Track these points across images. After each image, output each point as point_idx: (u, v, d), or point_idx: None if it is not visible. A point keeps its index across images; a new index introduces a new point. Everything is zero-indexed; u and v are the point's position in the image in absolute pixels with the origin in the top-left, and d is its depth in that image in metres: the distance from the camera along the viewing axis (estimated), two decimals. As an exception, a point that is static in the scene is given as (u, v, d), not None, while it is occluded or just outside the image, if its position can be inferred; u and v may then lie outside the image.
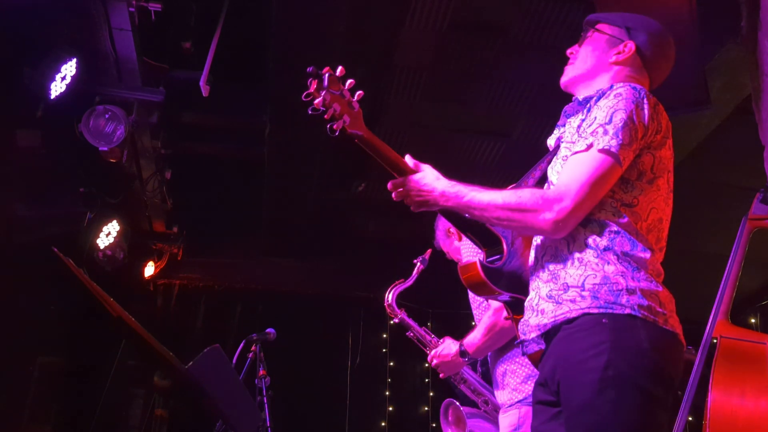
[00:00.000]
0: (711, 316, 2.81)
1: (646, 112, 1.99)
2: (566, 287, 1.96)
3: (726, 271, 2.91)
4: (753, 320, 7.43)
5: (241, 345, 4.27)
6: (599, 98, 2.06)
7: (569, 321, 1.93)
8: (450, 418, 3.45)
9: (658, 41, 2.22)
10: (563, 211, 1.93)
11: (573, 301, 1.93)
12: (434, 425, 7.56)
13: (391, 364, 7.68)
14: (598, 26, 2.26)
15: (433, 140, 6.08)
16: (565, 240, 2.01)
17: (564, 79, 2.28)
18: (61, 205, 5.78)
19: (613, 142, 1.94)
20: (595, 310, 1.89)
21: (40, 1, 4.23)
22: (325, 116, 2.03)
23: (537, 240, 2.14)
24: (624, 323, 1.86)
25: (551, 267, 2.02)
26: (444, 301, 6.95)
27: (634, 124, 1.97)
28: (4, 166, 4.96)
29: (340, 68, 2.03)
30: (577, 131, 2.05)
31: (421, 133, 5.98)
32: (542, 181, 2.20)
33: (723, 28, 4.04)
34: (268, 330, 4.38)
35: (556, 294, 1.97)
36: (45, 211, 5.61)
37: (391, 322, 3.57)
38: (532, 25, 4.82)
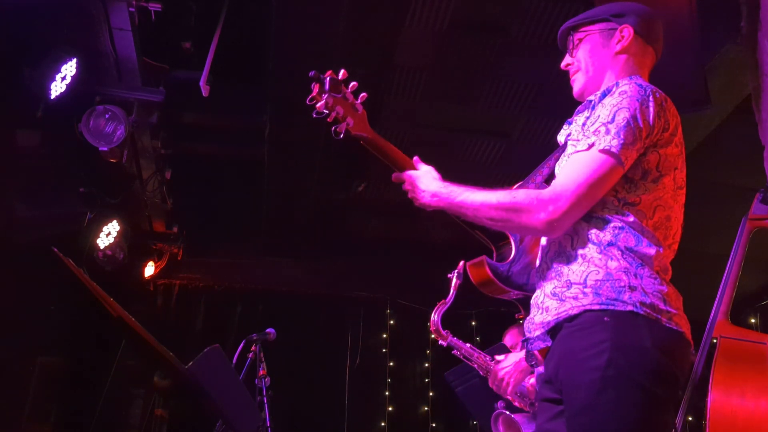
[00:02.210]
0: (711, 316, 2.81)
1: (651, 110, 1.95)
2: (569, 284, 1.94)
3: (726, 271, 2.91)
4: (753, 320, 7.43)
5: (241, 345, 4.28)
6: (604, 95, 2.03)
7: (571, 318, 1.91)
8: (501, 428, 3.46)
9: (647, 14, 2.20)
10: (557, 210, 1.90)
11: (575, 297, 1.92)
12: (434, 425, 7.56)
13: (391, 364, 7.68)
14: (583, 28, 2.22)
15: (433, 140, 6.08)
16: (569, 236, 1.99)
17: (577, 89, 2.24)
18: (61, 205, 5.78)
19: (615, 142, 1.91)
20: (597, 307, 1.87)
21: (40, 1, 4.23)
22: (329, 119, 2.05)
23: (543, 239, 2.12)
24: (626, 321, 1.84)
25: (555, 264, 2.01)
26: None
27: (638, 123, 1.93)
28: (4, 166, 4.96)
29: (342, 71, 2.03)
30: (582, 129, 2.02)
31: (421, 133, 5.98)
32: (551, 177, 2.18)
33: (723, 28, 4.04)
34: (268, 330, 4.38)
35: (559, 291, 1.96)
36: (45, 211, 5.62)
37: (440, 343, 3.54)
38: (532, 25, 4.82)
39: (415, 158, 2.19)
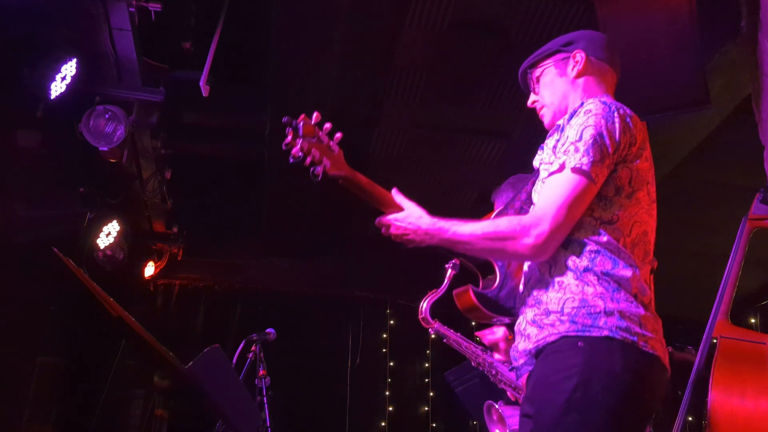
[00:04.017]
0: (711, 316, 2.81)
1: (617, 125, 1.99)
2: (547, 312, 1.98)
3: (726, 271, 2.91)
4: (753, 320, 7.43)
5: (241, 345, 4.28)
6: (571, 117, 2.07)
7: (550, 344, 1.96)
8: (494, 417, 3.50)
9: (595, 36, 2.29)
10: (541, 236, 1.94)
11: (552, 325, 1.96)
12: (434, 425, 7.57)
13: (391, 364, 7.69)
14: (539, 64, 2.33)
15: (433, 140, 6.08)
16: (547, 264, 2.03)
17: (547, 122, 2.29)
18: (61, 205, 5.78)
19: (585, 160, 1.94)
20: (573, 333, 1.91)
21: (39, 1, 4.23)
22: (305, 163, 2.11)
23: (525, 265, 2.16)
24: (600, 346, 1.88)
25: (535, 292, 2.04)
26: None
27: (605, 139, 1.96)
28: (4, 166, 4.97)
29: (315, 114, 2.09)
30: (553, 151, 2.06)
31: (421, 133, 5.98)
32: (528, 202, 2.23)
33: (723, 28, 4.04)
34: (268, 330, 4.38)
35: (538, 319, 2.00)
36: (45, 211, 5.61)
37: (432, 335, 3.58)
38: (532, 25, 4.82)
39: (394, 190, 2.19)
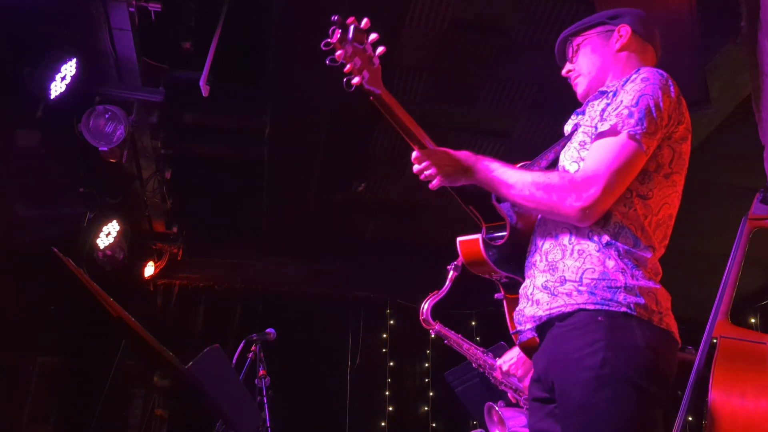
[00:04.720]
0: (711, 316, 2.81)
1: (672, 99, 1.94)
2: (563, 280, 1.92)
3: (726, 271, 2.91)
4: (753, 320, 7.43)
5: (241, 345, 4.28)
6: (626, 82, 2.00)
7: (564, 316, 1.90)
8: (494, 419, 3.48)
9: (642, 15, 2.22)
10: (591, 197, 1.86)
11: (569, 294, 1.90)
12: (434, 425, 7.57)
13: (391, 364, 7.69)
14: (582, 33, 2.23)
15: (433, 140, 6.07)
16: (567, 228, 1.96)
17: (581, 91, 2.22)
18: (61, 205, 5.78)
19: (638, 129, 1.88)
20: (591, 306, 1.86)
21: (40, 1, 4.23)
22: (345, 69, 1.92)
23: (539, 223, 2.08)
24: (619, 321, 1.84)
25: (550, 256, 1.98)
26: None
27: (661, 111, 1.91)
28: (4, 166, 4.96)
29: (365, 20, 1.93)
30: (600, 115, 1.98)
31: (420, 133, 5.97)
32: (554, 164, 2.13)
33: (723, 28, 4.04)
34: (268, 330, 4.38)
35: (551, 285, 1.94)
36: (45, 211, 5.61)
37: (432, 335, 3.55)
38: (532, 25, 4.82)
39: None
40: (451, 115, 5.78)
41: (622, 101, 1.94)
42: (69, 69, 4.49)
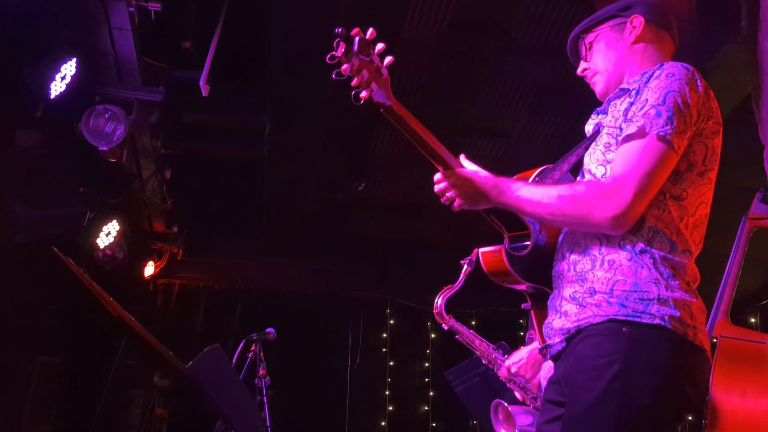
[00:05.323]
0: (711, 316, 2.82)
1: (700, 94, 1.86)
2: (593, 291, 1.84)
3: (726, 271, 2.91)
4: (753, 320, 7.43)
5: (241, 345, 4.28)
6: (649, 78, 1.90)
7: (593, 326, 1.82)
8: (500, 417, 3.47)
9: (654, 2, 2.12)
10: (623, 204, 1.77)
11: (598, 305, 1.82)
12: (434, 425, 7.57)
13: (391, 364, 7.69)
14: (594, 30, 2.14)
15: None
16: (597, 237, 1.87)
17: (599, 89, 2.13)
18: (61, 205, 5.78)
19: (668, 128, 1.79)
20: (622, 318, 1.78)
21: (40, 1, 4.23)
22: (352, 83, 1.84)
23: (566, 231, 2.00)
24: (648, 334, 1.76)
25: (578, 266, 1.89)
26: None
27: (689, 108, 1.82)
28: (4, 166, 4.96)
29: (371, 30, 1.85)
30: (624, 115, 1.90)
31: (421, 132, 5.97)
32: (577, 167, 2.07)
33: (723, 28, 4.04)
34: (268, 330, 4.39)
35: (580, 296, 1.86)
36: (45, 211, 5.61)
37: (444, 327, 3.52)
38: (532, 25, 4.82)
39: (463, 156, 2.06)
40: (451, 115, 5.78)
41: (647, 99, 1.85)
42: (69, 69, 4.49)
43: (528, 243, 2.06)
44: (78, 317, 5.79)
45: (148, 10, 4.43)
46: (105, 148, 4.80)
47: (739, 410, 2.58)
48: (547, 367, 3.03)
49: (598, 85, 2.13)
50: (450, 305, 3.46)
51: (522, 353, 3.18)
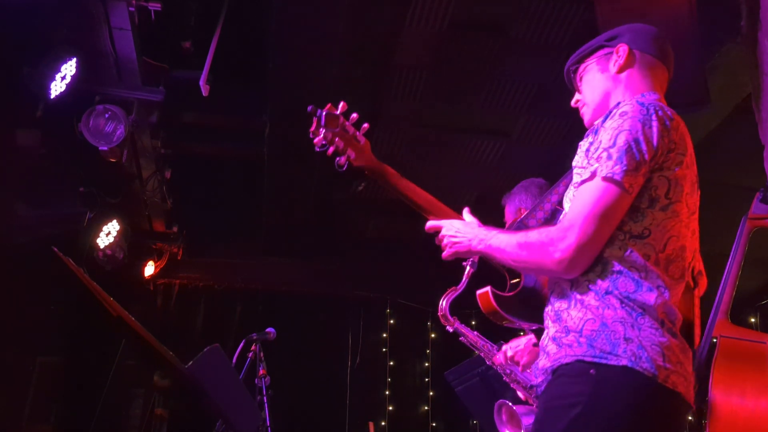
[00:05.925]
0: (711, 316, 2.82)
1: (654, 130, 1.83)
2: (567, 330, 1.87)
3: (726, 271, 2.91)
4: (753, 320, 7.43)
5: (241, 345, 4.28)
6: (606, 119, 1.92)
7: (564, 365, 1.85)
8: (504, 417, 3.48)
9: (643, 29, 2.13)
10: (568, 249, 1.81)
11: (570, 345, 1.84)
12: (434, 425, 7.57)
13: (391, 363, 7.69)
14: (583, 62, 2.16)
15: (433, 140, 6.08)
16: (568, 279, 1.90)
17: (586, 120, 2.16)
18: (61, 205, 5.78)
19: (617, 168, 1.80)
20: (589, 359, 1.79)
21: (40, 0, 4.23)
22: (328, 153, 2.08)
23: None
24: (614, 376, 1.76)
25: (557, 306, 1.94)
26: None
27: (640, 145, 1.82)
28: (4, 166, 4.96)
29: (341, 104, 2.04)
30: (586, 155, 1.92)
31: (421, 133, 5.98)
32: (559, 204, 2.14)
33: (723, 28, 4.04)
34: (268, 330, 4.38)
35: (558, 336, 1.89)
36: (45, 211, 5.61)
37: (448, 329, 3.55)
38: (532, 25, 4.82)
39: (466, 210, 2.16)
40: (451, 115, 5.78)
41: (601, 141, 1.87)
42: (69, 68, 4.49)
43: (517, 282, 2.20)
44: (78, 317, 5.80)
45: (148, 10, 4.42)
46: (105, 148, 4.79)
47: (739, 410, 2.58)
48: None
49: (586, 116, 2.18)
50: (451, 305, 3.46)
51: (521, 340, 3.21)
